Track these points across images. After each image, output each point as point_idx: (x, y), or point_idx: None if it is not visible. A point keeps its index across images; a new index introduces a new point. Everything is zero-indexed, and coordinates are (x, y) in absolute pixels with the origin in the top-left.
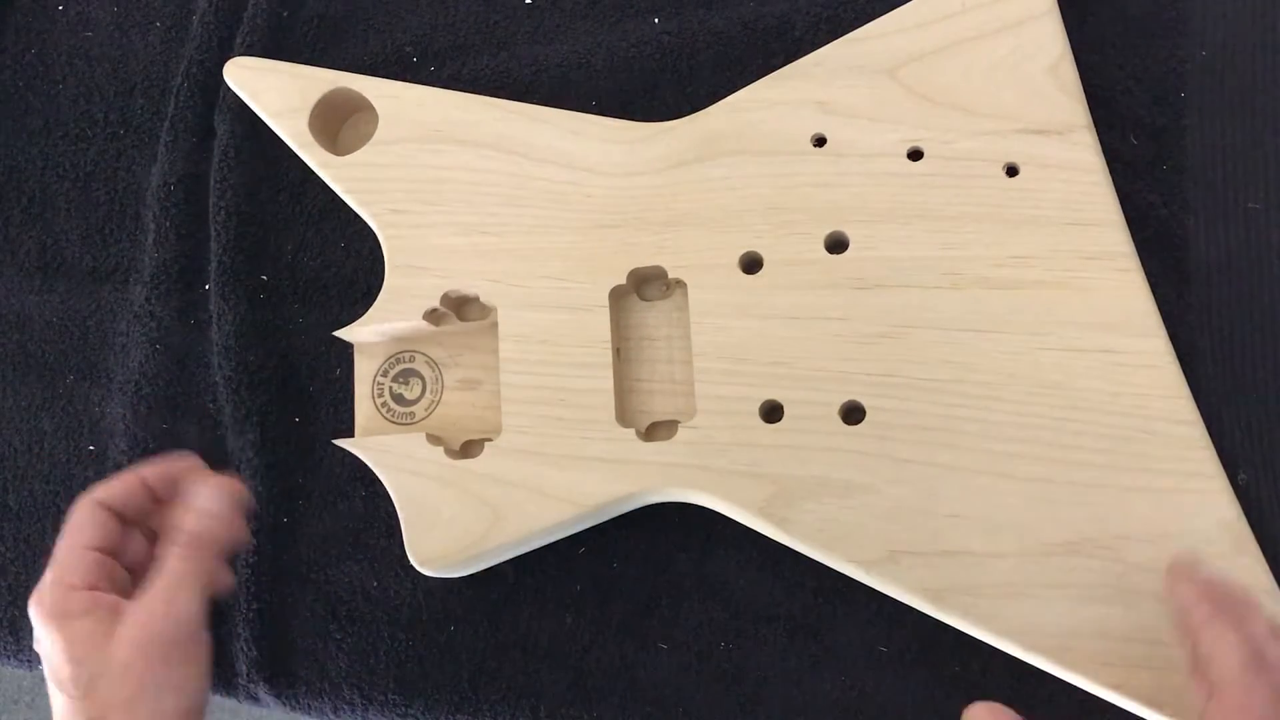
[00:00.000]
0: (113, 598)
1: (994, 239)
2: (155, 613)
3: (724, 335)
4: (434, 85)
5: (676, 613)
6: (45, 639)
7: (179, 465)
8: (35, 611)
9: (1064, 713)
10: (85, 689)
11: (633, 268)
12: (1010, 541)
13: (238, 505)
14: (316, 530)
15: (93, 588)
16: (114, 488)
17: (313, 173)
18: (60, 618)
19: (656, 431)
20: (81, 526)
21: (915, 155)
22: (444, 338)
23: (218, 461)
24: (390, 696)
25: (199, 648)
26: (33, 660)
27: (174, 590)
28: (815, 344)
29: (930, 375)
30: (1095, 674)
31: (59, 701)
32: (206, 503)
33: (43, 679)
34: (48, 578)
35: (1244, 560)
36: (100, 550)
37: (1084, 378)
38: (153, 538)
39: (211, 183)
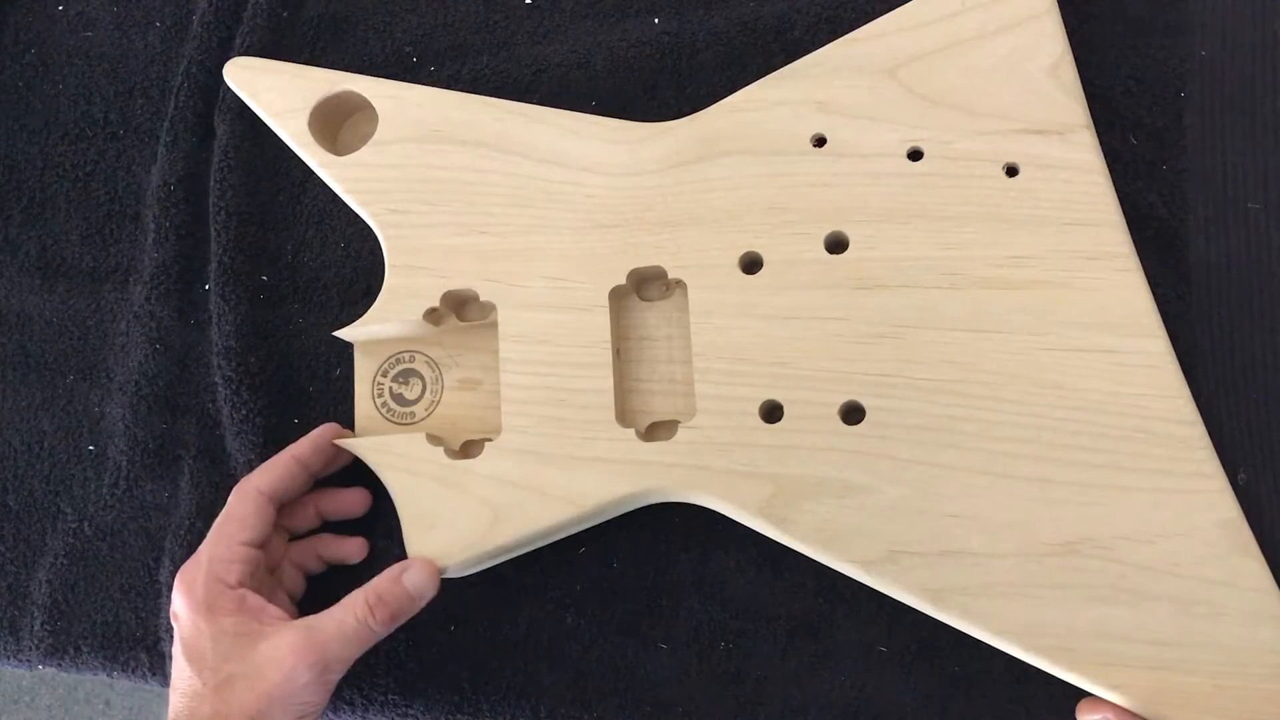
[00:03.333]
0: (260, 601)
1: (994, 239)
2: (325, 640)
3: (724, 335)
4: (434, 85)
5: (676, 613)
6: (190, 625)
7: (325, 435)
8: (185, 598)
9: (1064, 713)
10: (220, 684)
11: (632, 268)
12: (1010, 541)
13: (426, 598)
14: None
15: (242, 585)
16: (273, 474)
17: (313, 173)
18: (211, 610)
19: (656, 431)
20: (243, 519)
21: (915, 155)
22: (444, 338)
23: (218, 462)
24: (390, 696)
25: (328, 694)
26: (32, 660)
27: (349, 632)
28: (815, 344)
29: (930, 375)
30: (1095, 674)
31: (184, 679)
32: (415, 586)
33: (42, 679)
34: (202, 567)
35: (1244, 560)
36: (253, 546)
37: (1084, 378)
38: (284, 534)
39: (211, 183)
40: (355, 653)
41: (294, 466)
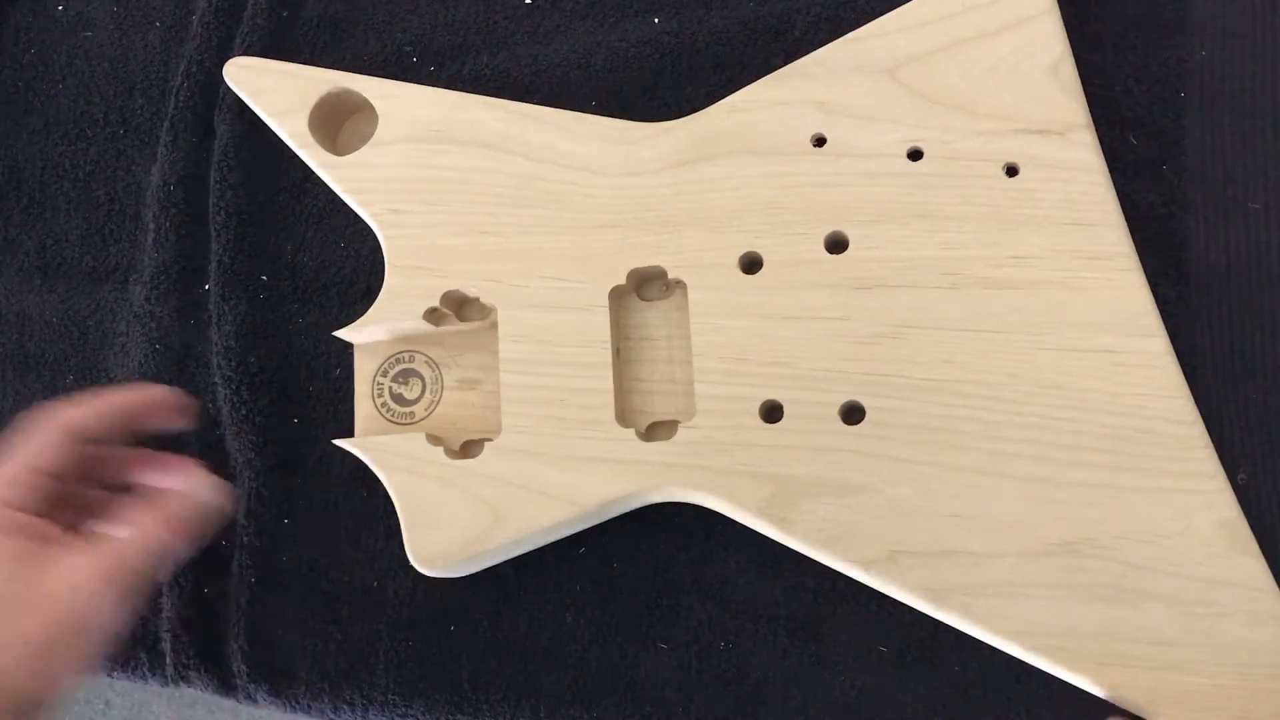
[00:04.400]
0: (46, 524)
1: (994, 239)
2: (122, 559)
3: (724, 335)
4: (434, 85)
5: (676, 613)
6: None
7: (157, 392)
8: None
9: (1064, 713)
10: None
11: (632, 268)
12: (1010, 541)
13: (228, 506)
14: (316, 530)
15: (25, 509)
16: (83, 415)
17: (313, 173)
18: None
19: (656, 431)
20: (40, 450)
21: (915, 155)
22: (444, 338)
23: (218, 462)
24: (390, 696)
25: (124, 622)
26: None
27: (135, 552)
28: (815, 344)
29: (930, 375)
30: (1095, 674)
31: None
32: (205, 492)
33: None
34: None
35: (1244, 560)
36: (43, 473)
37: (1084, 378)
38: (99, 485)
39: (211, 183)
40: (154, 572)
41: (104, 409)
